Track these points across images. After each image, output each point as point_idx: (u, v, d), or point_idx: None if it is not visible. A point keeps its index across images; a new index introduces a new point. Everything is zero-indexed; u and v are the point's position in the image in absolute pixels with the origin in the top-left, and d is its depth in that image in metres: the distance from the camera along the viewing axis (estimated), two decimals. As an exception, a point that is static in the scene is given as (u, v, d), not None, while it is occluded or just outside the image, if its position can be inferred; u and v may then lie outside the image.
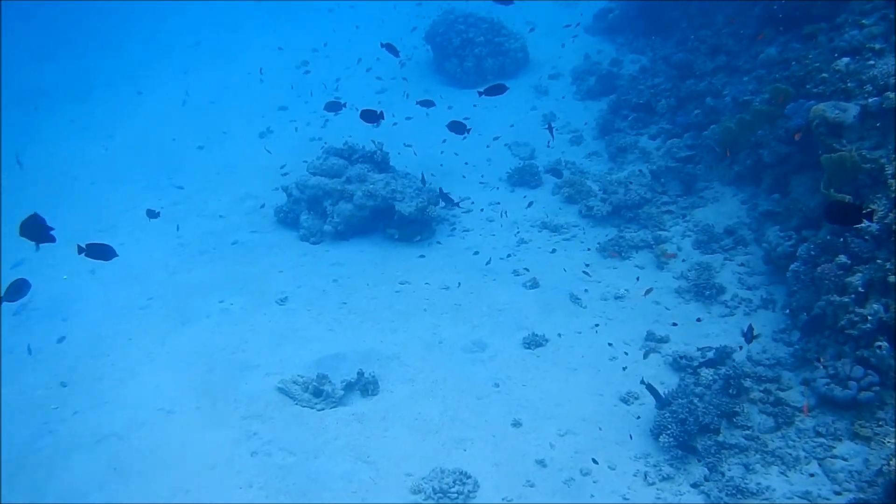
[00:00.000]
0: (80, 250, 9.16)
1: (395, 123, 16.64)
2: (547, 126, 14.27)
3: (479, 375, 10.47)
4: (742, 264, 12.02)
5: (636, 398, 9.87)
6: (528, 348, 10.94)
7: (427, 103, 13.72)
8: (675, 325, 11.08)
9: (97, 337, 11.72)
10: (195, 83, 20.97)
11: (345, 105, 14.23)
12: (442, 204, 13.94)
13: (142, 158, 17.28)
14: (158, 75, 21.91)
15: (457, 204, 14.08)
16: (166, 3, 26.89)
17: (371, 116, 12.16)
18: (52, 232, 8.33)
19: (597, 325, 11.30)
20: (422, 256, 13.22)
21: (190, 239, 14.11)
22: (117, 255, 9.45)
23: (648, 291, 11.69)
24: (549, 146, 15.68)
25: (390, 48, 13.75)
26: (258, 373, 10.71)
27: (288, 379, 10.42)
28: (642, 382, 9.76)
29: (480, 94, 12.18)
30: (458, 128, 12.39)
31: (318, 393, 10.16)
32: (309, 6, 24.87)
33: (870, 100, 10.69)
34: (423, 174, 14.22)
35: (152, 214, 12.43)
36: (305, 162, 14.56)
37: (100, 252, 9.29)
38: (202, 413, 10.08)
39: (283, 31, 23.66)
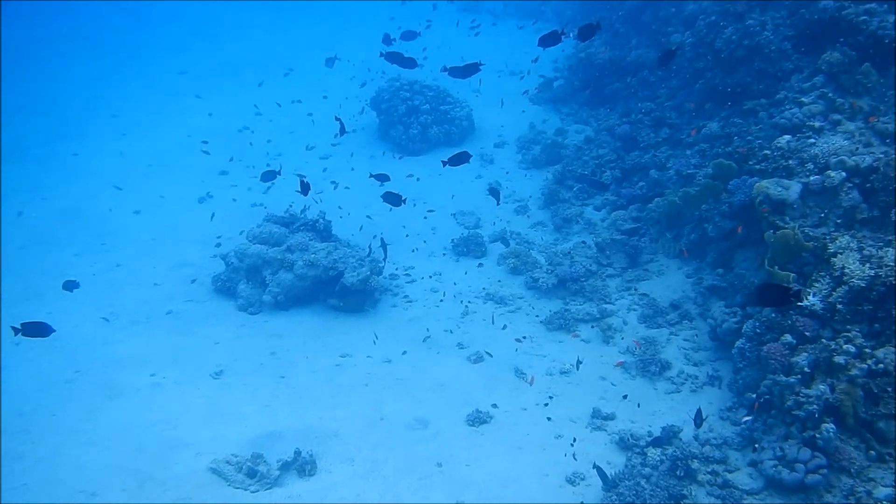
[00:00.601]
0: (16, 331, 8.75)
1: (346, 188, 16.46)
2: (489, 189, 14.13)
3: (422, 454, 10.08)
4: (687, 339, 11.94)
5: (582, 479, 9.57)
6: (473, 425, 10.60)
7: (382, 177, 13.68)
8: (625, 397, 10.92)
9: (17, 412, 11.00)
10: (133, 145, 20.44)
11: (279, 173, 14.10)
12: (386, 274, 13.69)
13: (75, 222, 16.66)
14: (96, 137, 21.27)
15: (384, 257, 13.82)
16: (103, 65, 26.55)
17: (305, 189, 12.28)
18: None
19: (551, 397, 11.06)
20: (364, 328, 12.87)
21: (122, 308, 13.53)
22: (55, 331, 9.05)
23: (620, 364, 11.53)
24: (497, 220, 15.60)
25: (341, 124, 13.55)
26: (189, 451, 10.15)
27: (221, 458, 9.89)
28: (595, 466, 9.48)
29: (444, 163, 12.03)
30: (393, 199, 12.27)
31: (252, 474, 9.67)
32: (238, 81, 24.53)
33: (811, 178, 10.80)
34: (370, 245, 13.95)
35: (71, 286, 11.92)
36: (242, 232, 14.25)
37: (36, 330, 8.89)
38: (128, 496, 9.45)
39: (215, 101, 23.15)
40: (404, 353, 12.22)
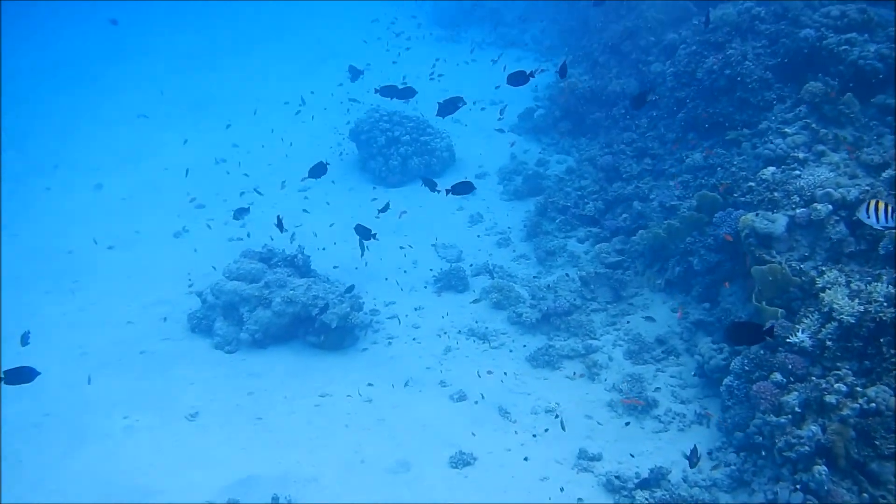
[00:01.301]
0: None
1: (331, 225, 16.20)
2: (422, 179, 13.99)
3: (403, 499, 9.74)
4: (674, 376, 11.69)
5: (569, 525, 9.31)
6: (456, 468, 10.28)
7: (386, 208, 13.87)
8: (627, 424, 10.82)
9: (-18, 460, 10.65)
10: (108, 178, 20.02)
11: (248, 210, 14.33)
12: (366, 310, 13.44)
13: (46, 259, 16.22)
14: (69, 170, 20.81)
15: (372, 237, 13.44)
16: (76, 96, 26.12)
17: (281, 225, 12.42)
18: None
19: (545, 430, 10.82)
20: (344, 366, 12.56)
21: (93, 348, 13.14)
22: (39, 373, 8.73)
23: (632, 402, 11.23)
24: (479, 251, 15.38)
25: (322, 166, 13.30)
26: (161, 500, 9.76)
27: (194, 507, 9.58)
28: None
29: (448, 192, 11.92)
30: (363, 232, 12.14)
31: (226, 523, 9.35)
32: (213, 113, 24.07)
33: (798, 211, 10.66)
34: (353, 285, 13.64)
35: (25, 339, 11.58)
36: (214, 268, 14.05)
37: (20, 376, 8.59)
38: (95, 549, 9.13)
39: (191, 134, 22.32)
40: (392, 386, 11.95)
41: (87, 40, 32.81)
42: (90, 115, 25.05)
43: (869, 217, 8.52)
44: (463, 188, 11.90)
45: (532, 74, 10.80)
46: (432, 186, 13.15)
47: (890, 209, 8.47)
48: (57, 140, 23.13)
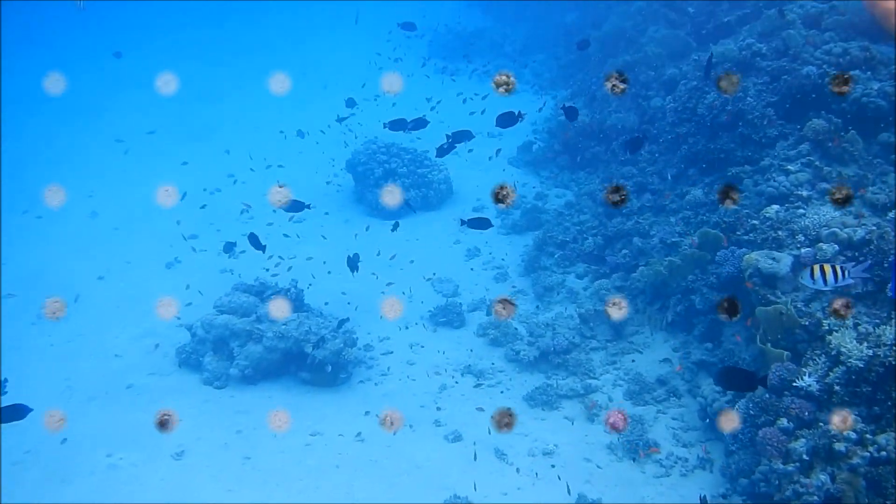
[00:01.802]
0: None
1: (324, 262, 15.90)
2: (406, 202, 13.81)
3: (395, 544, 9.44)
4: (676, 418, 11.38)
5: (568, 574, 8.95)
6: (450, 513, 9.98)
7: (395, 225, 14.18)
8: (635, 459, 10.63)
9: (-41, 500, 10.30)
10: (100, 206, 19.70)
11: (236, 244, 14.52)
12: (360, 345, 13.15)
13: (34, 289, 15.86)
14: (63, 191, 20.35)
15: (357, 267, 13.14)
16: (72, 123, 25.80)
17: (258, 245, 12.53)
18: None
19: (536, 474, 10.53)
20: (336, 404, 12.23)
21: (79, 381, 12.80)
22: (32, 410, 8.59)
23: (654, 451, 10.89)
24: (475, 286, 15.10)
25: (300, 204, 13.11)
26: (145, 542, 9.48)
27: (178, 551, 9.22)
28: None
29: (463, 223, 11.88)
30: (353, 264, 12.25)
31: (211, 569, 8.97)
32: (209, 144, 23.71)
33: (803, 250, 10.43)
34: (347, 319, 13.33)
35: (2, 388, 11.30)
36: (201, 293, 13.92)
37: (11, 414, 8.36)
38: None
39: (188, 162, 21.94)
40: (377, 433, 11.55)
41: (79, 65, 32.61)
42: (82, 142, 24.71)
43: (815, 282, 8.48)
44: (480, 223, 11.73)
45: (521, 115, 10.76)
46: (412, 208, 13.00)
47: (839, 269, 8.39)
48: (50, 167, 22.78)
